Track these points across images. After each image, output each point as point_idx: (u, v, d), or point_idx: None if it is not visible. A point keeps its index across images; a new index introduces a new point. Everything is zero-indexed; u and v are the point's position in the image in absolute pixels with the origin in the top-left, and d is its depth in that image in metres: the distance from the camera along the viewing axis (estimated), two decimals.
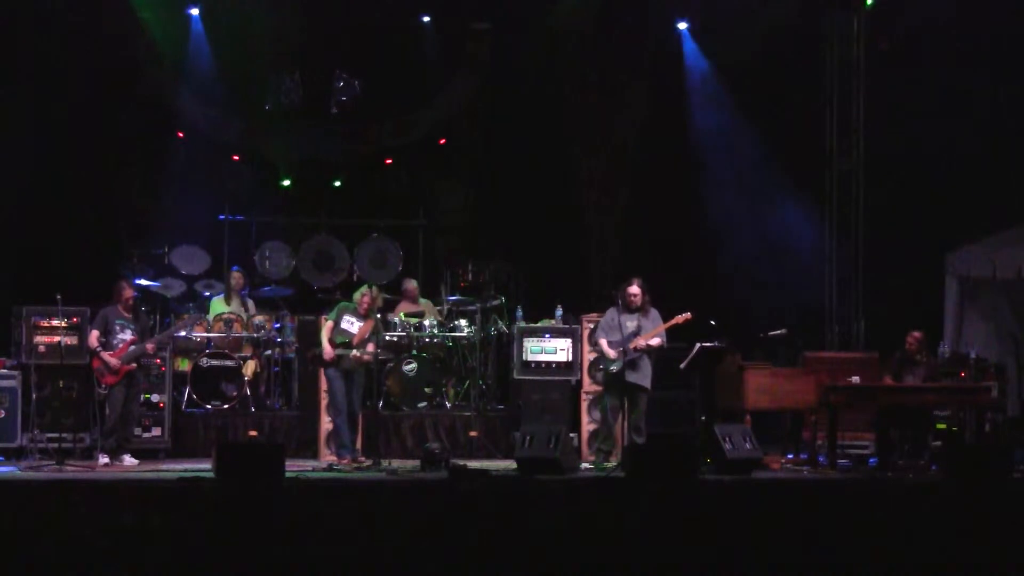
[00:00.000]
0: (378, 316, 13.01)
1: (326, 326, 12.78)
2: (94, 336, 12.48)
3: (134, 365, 12.56)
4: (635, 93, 16.48)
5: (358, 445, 12.94)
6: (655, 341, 12.53)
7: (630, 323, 12.53)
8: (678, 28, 16.46)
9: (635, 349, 12.43)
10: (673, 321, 12.60)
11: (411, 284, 15.12)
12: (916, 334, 13.06)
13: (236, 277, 14.79)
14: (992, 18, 14.96)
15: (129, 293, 12.72)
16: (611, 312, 12.70)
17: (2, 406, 12.97)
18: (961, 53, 15.18)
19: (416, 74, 16.52)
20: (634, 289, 12.60)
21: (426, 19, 16.23)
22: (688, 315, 12.58)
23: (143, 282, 14.43)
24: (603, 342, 12.61)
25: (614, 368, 12.45)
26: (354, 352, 12.59)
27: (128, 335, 12.52)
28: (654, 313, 12.66)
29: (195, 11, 15.83)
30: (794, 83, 16.11)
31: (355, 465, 12.49)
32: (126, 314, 12.59)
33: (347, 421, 12.70)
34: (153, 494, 10.29)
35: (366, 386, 12.87)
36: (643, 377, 12.52)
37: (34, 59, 15.05)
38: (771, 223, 16.05)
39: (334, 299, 14.04)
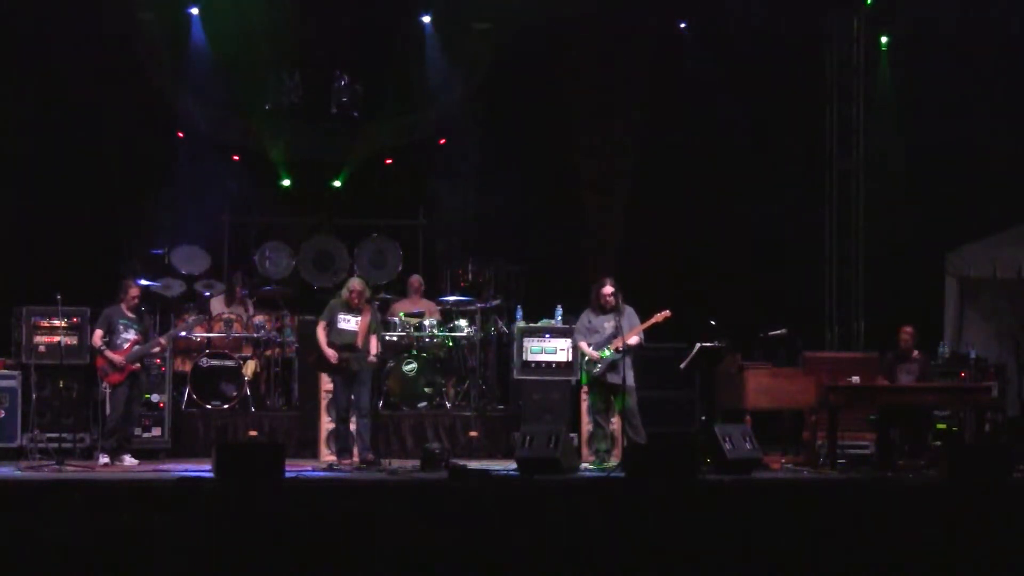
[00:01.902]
0: (374, 304, 12.91)
1: (320, 328, 12.68)
2: (97, 335, 12.46)
3: (138, 365, 12.55)
4: (635, 93, 16.49)
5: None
6: (633, 340, 12.51)
7: (607, 324, 12.51)
8: (678, 28, 16.45)
9: (616, 350, 12.42)
10: (652, 320, 12.58)
11: (415, 278, 15.08)
12: (908, 329, 13.05)
13: (237, 289, 14.74)
14: (992, 17, 14.96)
15: (135, 292, 12.69)
16: (585, 314, 12.70)
17: (2, 406, 12.98)
18: (961, 53, 15.19)
19: (416, 74, 16.52)
20: (607, 289, 12.58)
21: (426, 19, 16.23)
22: (667, 313, 12.55)
23: (143, 282, 14.43)
24: (583, 345, 12.61)
25: (596, 371, 12.45)
26: (370, 358, 12.48)
27: (132, 335, 12.51)
28: (629, 311, 12.64)
29: (195, 11, 15.82)
30: (794, 83, 16.11)
31: (355, 465, 12.48)
32: (130, 314, 12.57)
33: (360, 422, 12.62)
34: (153, 494, 10.29)
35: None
36: (624, 376, 12.50)
37: (34, 59, 15.05)
38: (771, 223, 16.03)
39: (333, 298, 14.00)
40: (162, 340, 12.80)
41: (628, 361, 12.56)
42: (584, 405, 13.48)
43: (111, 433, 12.44)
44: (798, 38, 16.00)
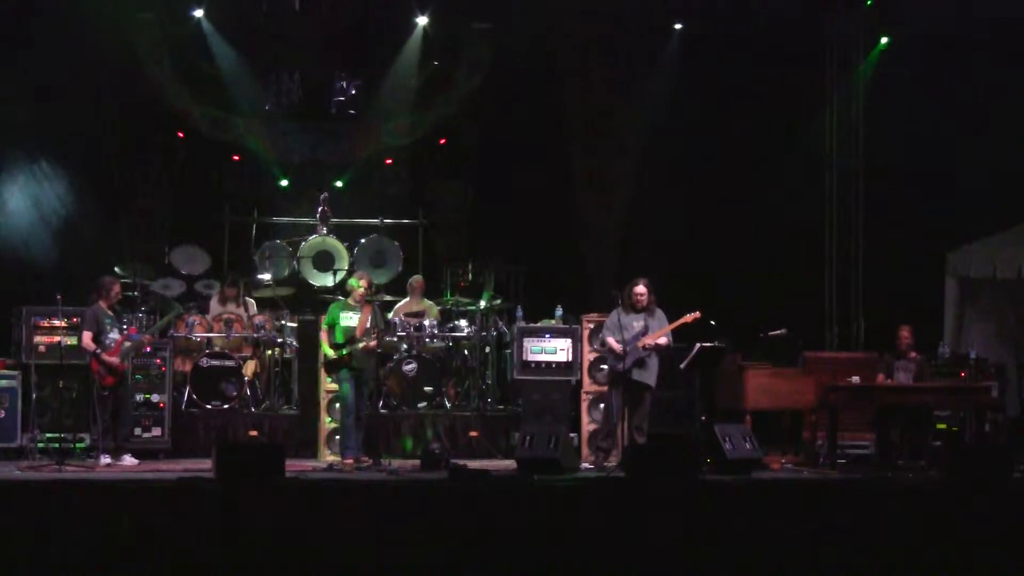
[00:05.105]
0: (376, 304, 12.92)
1: (323, 332, 12.69)
2: (88, 337, 12.38)
3: (128, 364, 12.57)
4: (635, 93, 16.49)
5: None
6: (662, 340, 12.55)
7: (636, 323, 12.55)
8: (676, 29, 16.44)
9: (643, 348, 12.44)
10: (682, 320, 12.59)
11: (417, 279, 15.08)
12: (906, 329, 13.05)
13: (229, 291, 14.72)
14: (992, 18, 14.95)
15: (118, 288, 12.67)
16: (615, 313, 12.70)
17: (2, 406, 12.96)
18: (961, 53, 15.18)
19: (416, 74, 16.54)
20: (640, 289, 12.62)
21: (425, 19, 16.24)
22: (697, 314, 12.57)
23: (145, 282, 14.46)
24: (611, 340, 12.60)
25: (621, 367, 12.43)
26: (361, 344, 12.50)
27: (116, 333, 12.48)
28: (660, 313, 12.68)
29: (198, 12, 15.83)
30: (794, 83, 16.10)
31: (355, 465, 12.47)
32: (110, 312, 12.55)
33: (356, 422, 12.63)
34: (153, 494, 10.29)
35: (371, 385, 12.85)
36: (650, 376, 12.55)
37: (34, 60, 15.05)
38: (771, 223, 16.03)
39: (334, 299, 13.99)
40: (145, 338, 12.80)
41: (655, 362, 12.57)
42: (584, 405, 13.48)
43: (106, 433, 12.40)
44: (798, 38, 15.99)
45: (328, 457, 13.11)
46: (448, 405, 14.30)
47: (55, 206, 15.46)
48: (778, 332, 13.62)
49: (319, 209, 15.35)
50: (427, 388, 14.17)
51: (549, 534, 8.18)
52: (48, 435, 12.75)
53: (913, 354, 13.11)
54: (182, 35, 16.00)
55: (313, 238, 15.45)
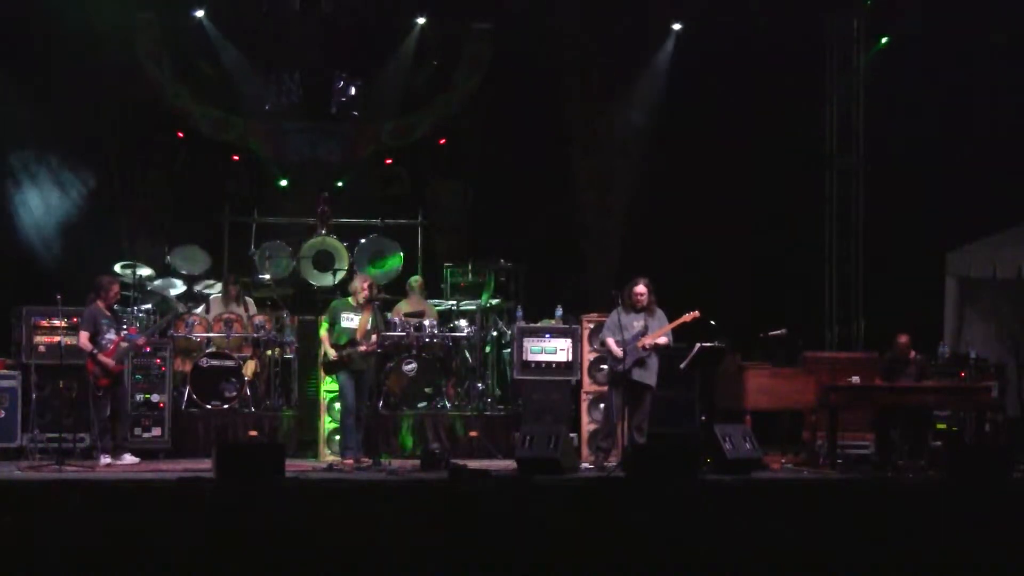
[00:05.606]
0: (377, 304, 12.92)
1: (323, 331, 12.71)
2: (85, 337, 12.37)
3: (124, 364, 12.56)
4: (635, 93, 16.49)
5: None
6: (662, 340, 12.54)
7: (636, 323, 12.55)
8: (675, 29, 16.44)
9: (643, 348, 12.44)
10: (681, 320, 12.58)
11: (417, 279, 15.09)
12: (904, 338, 13.04)
13: (232, 289, 14.72)
14: (992, 17, 14.96)
15: (117, 288, 12.70)
16: (615, 313, 12.69)
17: (2, 406, 12.97)
18: (961, 53, 15.19)
19: (416, 74, 16.55)
20: (640, 289, 12.61)
21: (425, 19, 16.24)
22: (696, 313, 12.56)
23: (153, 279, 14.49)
24: (610, 341, 12.59)
25: (621, 367, 12.42)
26: (361, 347, 12.50)
27: (113, 334, 12.47)
28: (660, 313, 12.67)
29: (198, 12, 15.84)
30: (794, 83, 16.10)
31: (355, 465, 12.47)
32: (108, 312, 12.56)
33: (357, 423, 12.64)
34: (153, 494, 10.29)
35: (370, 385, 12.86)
36: (650, 376, 12.54)
37: (34, 60, 15.07)
38: (771, 223, 16.03)
39: (334, 299, 14.02)
40: (141, 339, 12.80)
41: (655, 361, 12.57)
42: (584, 405, 13.48)
43: (103, 433, 12.39)
44: (798, 38, 16.00)
45: (328, 457, 13.11)
46: (448, 405, 14.30)
47: (55, 206, 15.48)
48: (778, 332, 13.62)
49: (319, 209, 15.36)
50: (427, 388, 14.18)
51: (549, 534, 8.17)
52: (48, 435, 12.75)
53: (913, 354, 13.11)
54: (182, 35, 16.01)
55: (313, 238, 15.46)
